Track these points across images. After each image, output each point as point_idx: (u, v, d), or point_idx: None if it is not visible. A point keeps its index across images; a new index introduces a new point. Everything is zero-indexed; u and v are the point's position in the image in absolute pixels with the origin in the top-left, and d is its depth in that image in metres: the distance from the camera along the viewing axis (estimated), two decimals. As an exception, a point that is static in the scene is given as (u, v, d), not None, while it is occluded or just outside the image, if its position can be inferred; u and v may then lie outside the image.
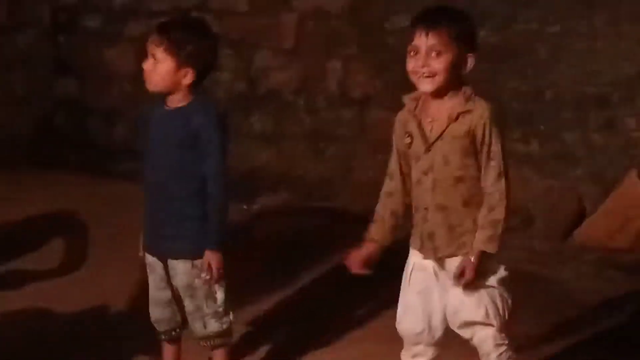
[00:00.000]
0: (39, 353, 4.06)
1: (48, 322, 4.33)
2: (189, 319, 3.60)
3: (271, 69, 6.50)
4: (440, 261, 3.23)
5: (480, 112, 3.13)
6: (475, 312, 3.20)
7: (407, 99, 3.27)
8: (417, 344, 3.32)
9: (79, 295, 4.56)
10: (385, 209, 3.32)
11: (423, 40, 3.13)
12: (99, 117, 7.23)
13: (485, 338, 3.23)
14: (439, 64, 3.12)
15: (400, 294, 3.34)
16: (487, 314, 3.19)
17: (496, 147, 3.13)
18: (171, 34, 3.41)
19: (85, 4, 7.20)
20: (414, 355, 3.35)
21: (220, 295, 3.57)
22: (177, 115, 3.45)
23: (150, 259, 3.60)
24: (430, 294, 3.26)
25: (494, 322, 3.20)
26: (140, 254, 3.65)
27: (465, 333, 3.27)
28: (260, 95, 6.55)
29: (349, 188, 6.13)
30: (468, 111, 3.14)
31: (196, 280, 3.51)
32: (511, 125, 5.60)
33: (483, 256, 3.12)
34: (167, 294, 3.61)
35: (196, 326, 3.59)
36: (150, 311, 3.67)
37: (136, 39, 6.91)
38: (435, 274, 3.25)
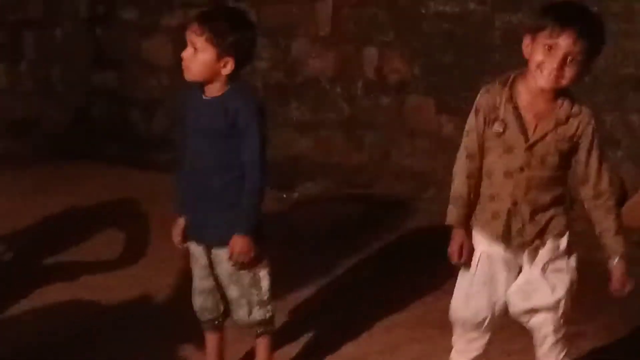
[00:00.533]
0: (83, 344, 4.10)
1: (92, 313, 4.37)
2: (233, 306, 3.61)
3: (308, 57, 6.50)
4: (529, 251, 3.23)
5: (587, 117, 3.13)
6: (549, 296, 3.23)
7: (499, 81, 3.19)
8: (475, 330, 3.33)
9: (121, 287, 4.59)
10: (469, 191, 3.24)
11: (568, 44, 3.03)
12: (138, 108, 7.29)
13: (546, 321, 3.26)
14: (570, 72, 3.06)
15: (461, 282, 3.32)
16: (559, 299, 3.23)
17: (601, 151, 3.17)
18: (212, 24, 3.40)
19: (122, -4, 7.25)
20: (470, 341, 3.36)
21: (265, 283, 3.58)
22: (215, 104, 3.44)
23: (193, 247, 3.61)
24: (496, 283, 3.26)
25: (562, 307, 3.24)
26: (180, 244, 3.65)
27: (525, 317, 3.29)
28: (297, 84, 6.56)
29: (387, 175, 6.13)
30: (575, 115, 3.13)
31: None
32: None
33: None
34: (210, 282, 3.62)
35: (240, 313, 3.61)
36: (193, 300, 3.68)
37: (173, 29, 6.95)
38: (505, 263, 3.25)
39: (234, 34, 3.40)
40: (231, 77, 3.45)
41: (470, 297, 3.30)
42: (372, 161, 6.26)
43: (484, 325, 3.31)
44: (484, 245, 3.27)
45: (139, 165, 6.52)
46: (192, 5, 6.81)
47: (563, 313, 3.25)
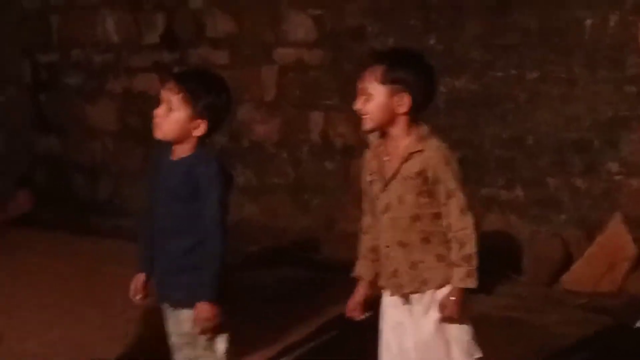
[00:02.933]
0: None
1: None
2: None
3: (253, 122, 6.51)
4: (406, 297, 3.23)
5: (430, 152, 3.15)
6: (442, 351, 3.21)
7: (375, 137, 3.29)
8: None
9: (63, 352, 4.52)
10: (364, 245, 3.35)
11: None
12: (82, 173, 7.23)
13: None
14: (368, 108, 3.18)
15: (379, 333, 3.34)
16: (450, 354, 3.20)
17: (453, 184, 3.14)
18: (190, 84, 3.39)
19: (66, 61, 7.22)
20: None
21: (221, 346, 3.52)
22: (180, 166, 3.43)
23: (163, 305, 3.58)
24: (404, 330, 3.26)
25: None
26: (137, 300, 3.60)
27: None
28: (243, 149, 6.55)
29: (333, 239, 6.11)
30: (419, 151, 3.16)
31: (197, 330, 3.47)
32: (494, 172, 5.63)
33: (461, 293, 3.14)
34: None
35: None
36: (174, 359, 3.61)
37: (118, 94, 6.93)
38: (408, 310, 3.24)
39: (209, 96, 3.38)
40: (201, 140, 3.44)
41: (383, 345, 3.31)
42: (318, 225, 6.25)
43: None
44: (385, 294, 3.30)
45: (82, 231, 6.45)
46: (136, 71, 6.83)
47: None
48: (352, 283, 5.38)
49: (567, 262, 5.39)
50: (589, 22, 5.21)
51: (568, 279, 5.33)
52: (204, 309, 3.41)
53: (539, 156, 5.43)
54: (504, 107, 5.55)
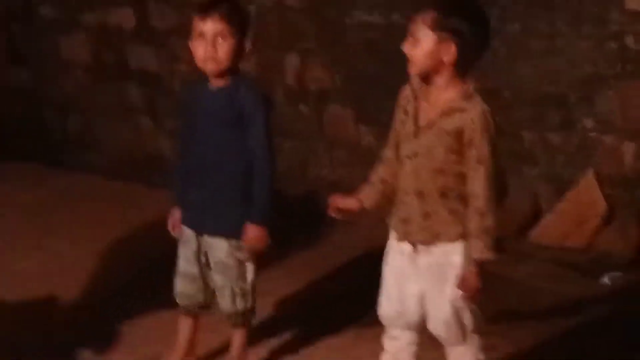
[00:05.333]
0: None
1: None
2: (218, 293, 3.67)
3: (228, 62, 6.42)
4: (413, 245, 3.20)
5: (472, 114, 3.08)
6: (439, 306, 3.21)
7: (415, 76, 3.21)
8: (393, 326, 3.31)
9: (34, 286, 4.54)
10: (376, 175, 3.31)
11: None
12: (53, 107, 7.14)
13: (440, 332, 3.24)
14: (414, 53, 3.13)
15: (382, 277, 3.33)
16: (446, 311, 3.20)
17: (486, 151, 3.07)
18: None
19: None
20: (391, 338, 3.35)
21: (250, 275, 3.64)
22: (222, 94, 3.53)
23: (186, 230, 3.67)
24: (406, 278, 3.24)
25: (449, 319, 3.20)
26: (176, 234, 3.71)
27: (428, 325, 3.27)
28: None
29: (304, 184, 6.09)
30: (461, 109, 3.09)
31: (230, 258, 3.59)
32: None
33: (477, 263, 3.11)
34: (196, 269, 3.68)
35: (223, 302, 3.67)
36: (175, 283, 3.73)
37: (92, 28, 6.83)
38: (411, 258, 3.22)
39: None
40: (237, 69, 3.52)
41: (384, 290, 3.31)
42: (290, 170, 6.21)
43: (399, 322, 3.28)
44: (392, 237, 3.28)
45: (53, 164, 6.41)
46: (113, 4, 6.72)
47: (455, 325, 3.20)
48: (325, 227, 5.46)
49: (537, 216, 5.41)
50: (574, -24, 5.18)
51: (537, 233, 5.35)
52: (253, 230, 3.53)
53: (515, 109, 5.41)
54: (483, 59, 5.50)
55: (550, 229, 5.30)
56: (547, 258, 5.07)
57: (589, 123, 5.26)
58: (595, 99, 5.23)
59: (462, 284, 3.12)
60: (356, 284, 4.62)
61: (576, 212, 5.24)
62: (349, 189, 5.74)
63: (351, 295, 4.51)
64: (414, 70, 3.14)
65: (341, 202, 3.33)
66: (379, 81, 5.73)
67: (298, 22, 6.07)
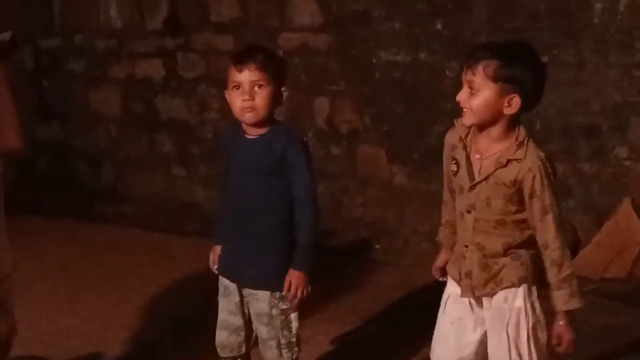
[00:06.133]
0: None
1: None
2: (264, 345, 3.60)
3: (258, 107, 6.44)
4: (478, 299, 3.16)
5: (529, 163, 2.99)
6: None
7: (458, 121, 3.13)
8: None
9: (73, 342, 4.53)
10: (443, 217, 3.33)
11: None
12: (84, 160, 7.19)
13: None
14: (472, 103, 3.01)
15: (436, 323, 3.28)
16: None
17: (550, 200, 3.00)
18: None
19: (69, 47, 7.18)
20: None
21: (295, 324, 3.59)
22: (260, 142, 3.47)
23: (226, 282, 3.61)
24: (464, 326, 3.19)
25: None
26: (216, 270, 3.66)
27: None
28: (247, 134, 6.50)
29: (339, 224, 6.08)
30: (517, 160, 3.00)
31: (274, 310, 3.53)
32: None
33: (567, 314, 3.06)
34: (239, 320, 3.62)
35: (269, 354, 3.60)
36: (217, 334, 3.66)
37: (120, 81, 6.89)
38: (471, 306, 3.18)
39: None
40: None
41: (440, 337, 3.25)
42: (324, 211, 6.20)
43: None
44: (451, 286, 3.23)
45: (84, 218, 6.43)
46: (140, 57, 6.79)
47: None
48: (362, 268, 5.44)
49: (576, 247, 5.36)
50: (598, 5, 5.16)
51: (577, 265, 5.28)
52: (297, 277, 3.46)
53: (547, 141, 5.38)
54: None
55: (590, 260, 5.25)
56: (589, 290, 5.02)
57: (622, 152, 5.23)
58: (627, 127, 5.20)
59: (557, 340, 3.08)
60: (399, 326, 4.59)
61: (615, 242, 5.20)
62: (383, 229, 5.88)
63: (396, 338, 4.48)
64: (469, 121, 3.03)
65: (441, 263, 3.32)
66: (408, 119, 5.74)
67: (325, 64, 6.09)
